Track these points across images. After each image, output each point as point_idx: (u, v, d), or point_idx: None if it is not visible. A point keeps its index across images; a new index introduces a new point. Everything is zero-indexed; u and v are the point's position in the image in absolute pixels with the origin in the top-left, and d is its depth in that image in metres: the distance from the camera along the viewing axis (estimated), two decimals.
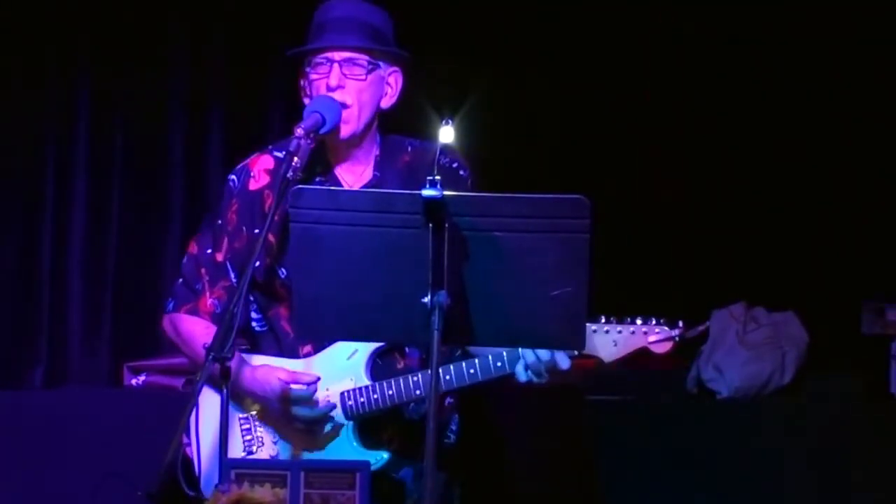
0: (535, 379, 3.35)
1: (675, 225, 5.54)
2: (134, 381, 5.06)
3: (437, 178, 2.84)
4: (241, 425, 3.48)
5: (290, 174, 3.21)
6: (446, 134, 3.23)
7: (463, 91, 4.84)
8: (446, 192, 2.81)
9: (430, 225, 2.82)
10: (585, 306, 2.92)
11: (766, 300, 5.25)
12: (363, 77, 3.45)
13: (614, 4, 5.52)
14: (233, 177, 3.58)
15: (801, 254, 5.49)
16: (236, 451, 3.45)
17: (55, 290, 5.36)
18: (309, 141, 3.27)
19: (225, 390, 3.09)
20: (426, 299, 2.83)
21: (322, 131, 3.36)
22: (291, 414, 3.42)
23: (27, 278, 5.35)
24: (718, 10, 5.49)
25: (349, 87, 3.44)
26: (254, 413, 3.48)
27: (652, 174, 5.58)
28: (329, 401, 3.44)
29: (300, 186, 2.97)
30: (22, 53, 5.29)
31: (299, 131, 3.27)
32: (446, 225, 2.82)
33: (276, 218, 3.26)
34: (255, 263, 3.38)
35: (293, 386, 3.40)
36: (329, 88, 3.42)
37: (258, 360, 3.51)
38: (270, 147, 3.61)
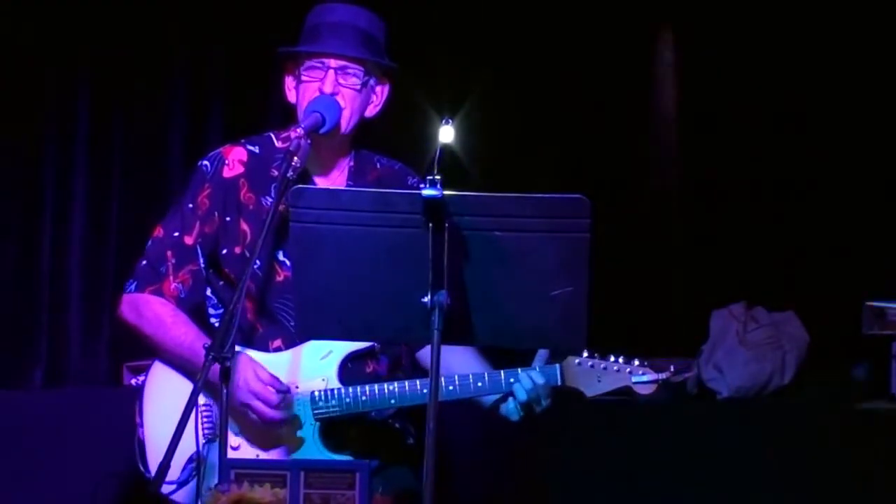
0: (524, 414, 3.35)
1: (676, 224, 5.54)
2: (133, 381, 5.05)
3: (438, 177, 2.84)
4: (202, 412, 3.41)
5: (290, 174, 3.20)
6: (446, 134, 3.24)
7: (463, 91, 4.86)
8: (446, 192, 2.81)
9: (431, 225, 2.82)
10: (586, 306, 2.93)
11: (766, 300, 5.25)
12: (358, 87, 3.45)
13: (614, 4, 5.52)
14: (205, 162, 3.56)
15: (802, 253, 5.49)
16: (195, 441, 3.29)
17: (55, 289, 5.36)
18: (308, 141, 3.27)
19: (225, 390, 3.08)
20: (426, 299, 2.83)
21: (322, 131, 3.36)
22: (251, 408, 3.38)
23: (27, 278, 5.35)
24: (717, 7, 5.48)
25: (343, 94, 3.44)
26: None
27: (652, 173, 5.58)
28: (292, 410, 3.41)
29: (300, 186, 2.97)
30: (22, 54, 5.29)
31: (299, 130, 3.27)
32: (446, 224, 2.82)
33: (269, 216, 3.23)
34: (255, 264, 3.39)
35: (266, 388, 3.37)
36: (322, 94, 3.42)
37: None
38: (243, 140, 3.60)
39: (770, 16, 5.48)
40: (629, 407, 4.96)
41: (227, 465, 2.98)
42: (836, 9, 5.42)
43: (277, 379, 3.40)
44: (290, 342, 3.47)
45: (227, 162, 3.54)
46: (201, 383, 3.02)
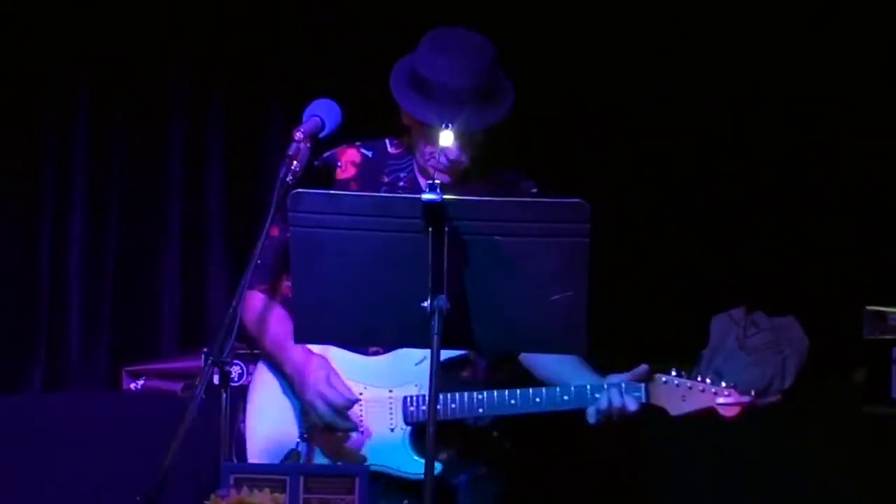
0: (603, 421, 3.39)
1: (676, 228, 5.53)
2: (132, 386, 5.05)
3: (437, 182, 2.84)
4: (301, 412, 3.52)
5: (289, 178, 3.20)
6: (446, 138, 3.24)
7: None
8: (446, 196, 2.81)
9: (430, 229, 2.82)
10: (586, 310, 2.93)
11: (766, 304, 5.24)
12: (480, 139, 3.52)
13: (614, 7, 5.51)
14: (316, 163, 3.62)
15: (802, 258, 5.48)
16: (292, 434, 3.50)
17: (54, 293, 5.35)
18: (308, 145, 3.27)
19: (225, 394, 3.08)
20: (426, 303, 2.82)
21: (321, 135, 3.36)
22: (315, 409, 3.44)
23: (26, 282, 5.35)
24: (718, 13, 5.48)
25: (472, 148, 3.50)
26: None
27: (652, 178, 5.57)
28: (357, 418, 3.48)
29: (299, 190, 2.97)
30: (22, 55, 5.29)
31: (299, 135, 3.27)
32: (446, 229, 2.81)
33: (268, 219, 3.24)
34: (256, 261, 3.40)
35: (332, 394, 3.44)
36: (448, 159, 3.48)
37: (334, 352, 3.54)
38: (358, 143, 3.66)
39: (771, 17, 5.47)
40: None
41: (226, 469, 2.98)
42: (836, 11, 5.42)
43: (349, 388, 3.46)
44: (388, 348, 3.52)
45: (340, 164, 3.60)
46: (201, 389, 3.02)
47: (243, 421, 3.57)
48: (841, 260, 5.45)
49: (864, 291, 5.24)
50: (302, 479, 2.96)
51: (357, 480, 2.96)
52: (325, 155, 3.62)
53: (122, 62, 5.37)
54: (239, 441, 3.55)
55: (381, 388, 3.51)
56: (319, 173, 3.57)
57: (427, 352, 3.38)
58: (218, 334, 3.11)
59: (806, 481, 4.70)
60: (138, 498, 2.97)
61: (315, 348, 3.53)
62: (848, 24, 5.43)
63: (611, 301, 3.61)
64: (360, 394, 3.51)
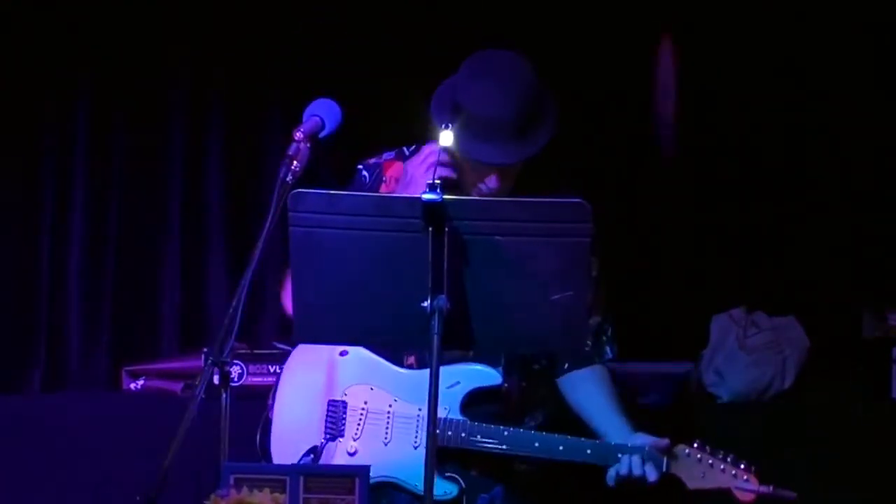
0: (623, 485, 3.40)
1: (676, 229, 5.53)
2: (132, 386, 5.04)
3: (438, 181, 2.84)
4: (328, 411, 3.53)
5: (289, 178, 3.20)
6: (446, 138, 3.24)
7: None
8: (446, 196, 2.81)
9: (430, 229, 2.81)
10: (586, 311, 2.93)
11: (766, 304, 5.24)
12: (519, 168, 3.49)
13: (614, 8, 5.51)
14: (364, 172, 3.65)
15: (802, 258, 5.48)
16: (316, 434, 3.51)
17: (54, 293, 5.35)
18: (308, 145, 3.27)
19: (225, 395, 3.08)
20: (426, 303, 2.82)
21: (322, 135, 3.36)
22: None
23: (26, 282, 5.34)
24: (718, 13, 5.48)
25: (510, 176, 3.49)
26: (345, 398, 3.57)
27: (652, 178, 5.57)
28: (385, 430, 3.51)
29: (300, 190, 2.97)
30: (22, 55, 5.28)
31: (299, 135, 3.27)
32: (446, 229, 2.81)
33: (268, 221, 3.24)
34: (255, 265, 3.40)
35: None
36: (489, 189, 3.45)
37: (368, 357, 3.57)
38: (407, 153, 3.65)
39: (773, 18, 5.47)
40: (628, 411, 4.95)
41: (226, 469, 2.97)
42: (838, 12, 5.41)
43: None
44: (423, 363, 3.51)
45: (384, 179, 3.61)
46: (201, 389, 3.02)
47: (271, 408, 3.59)
48: (841, 260, 5.45)
49: (864, 291, 5.25)
50: (302, 479, 2.95)
51: (357, 480, 2.95)
52: (371, 162, 3.65)
53: (122, 62, 5.37)
54: (264, 428, 3.57)
55: (411, 405, 3.51)
56: (366, 186, 3.60)
57: (462, 376, 3.44)
58: (218, 334, 3.11)
59: (806, 481, 4.70)
60: (138, 498, 2.97)
61: (350, 350, 3.55)
62: (849, 23, 5.43)
63: (611, 300, 3.60)
64: (390, 405, 3.52)
